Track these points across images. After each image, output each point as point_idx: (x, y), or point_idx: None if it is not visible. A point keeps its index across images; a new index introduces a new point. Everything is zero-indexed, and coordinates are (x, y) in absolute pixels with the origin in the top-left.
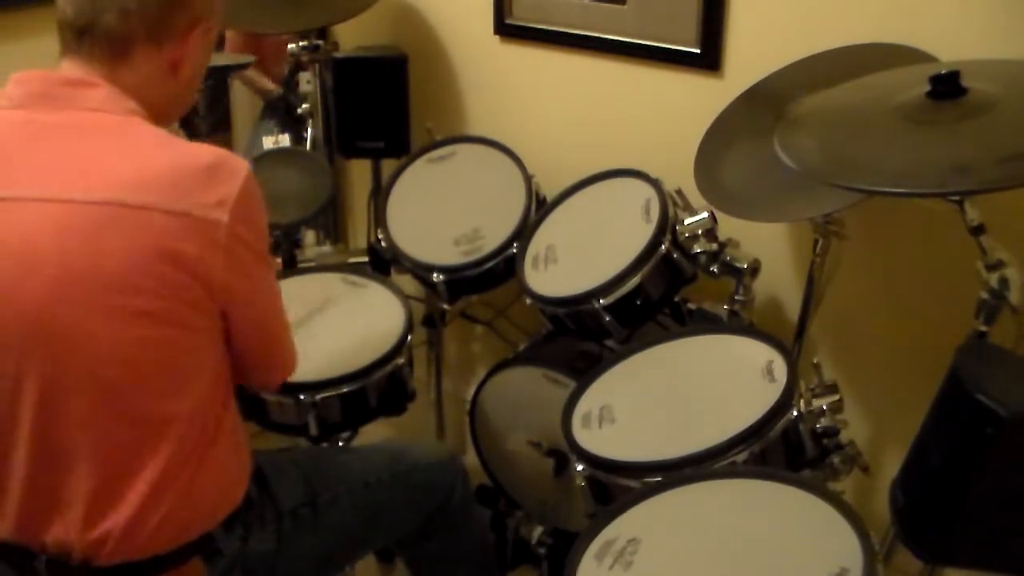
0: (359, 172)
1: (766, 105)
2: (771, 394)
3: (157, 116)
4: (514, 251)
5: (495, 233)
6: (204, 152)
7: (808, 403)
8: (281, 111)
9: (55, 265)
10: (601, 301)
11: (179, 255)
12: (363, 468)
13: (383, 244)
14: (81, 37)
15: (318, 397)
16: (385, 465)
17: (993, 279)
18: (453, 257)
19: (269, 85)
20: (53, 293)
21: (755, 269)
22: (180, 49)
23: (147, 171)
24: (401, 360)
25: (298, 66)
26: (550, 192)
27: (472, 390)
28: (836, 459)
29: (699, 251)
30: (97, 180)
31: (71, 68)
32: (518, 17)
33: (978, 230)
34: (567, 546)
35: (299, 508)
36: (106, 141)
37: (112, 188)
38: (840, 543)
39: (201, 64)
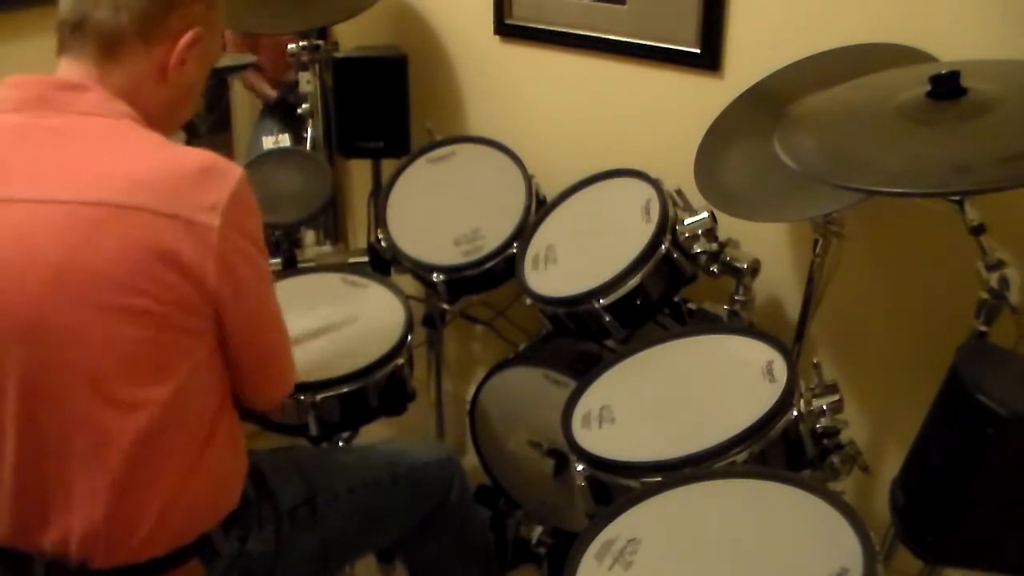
0: (359, 172)
1: (766, 105)
2: (771, 394)
3: (150, 121)
4: (514, 251)
5: (495, 233)
6: (197, 156)
7: (808, 403)
8: (281, 111)
9: (49, 265)
10: (601, 301)
11: (173, 256)
12: (362, 468)
13: (383, 244)
14: (74, 33)
15: (318, 397)
16: (384, 466)
17: (993, 279)
18: (453, 257)
19: (268, 90)
20: (47, 293)
21: (755, 269)
22: (170, 52)
23: (140, 173)
24: (401, 360)
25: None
26: (550, 192)
27: (472, 390)
28: (836, 459)
29: (699, 251)
30: (90, 181)
31: (66, 68)
32: (518, 17)
33: (978, 230)
34: (567, 546)
35: (298, 508)
36: (99, 144)
37: (105, 189)
38: (840, 543)
39: (197, 78)
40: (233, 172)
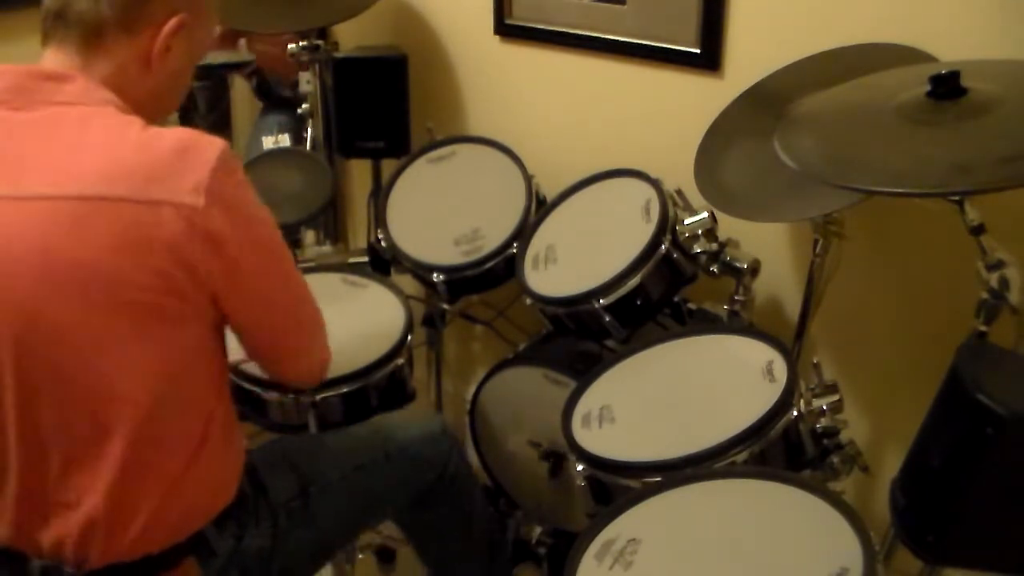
0: (359, 172)
1: (766, 105)
2: (771, 394)
3: (137, 111)
4: (514, 251)
5: (495, 233)
6: (172, 137)
7: (808, 403)
8: (281, 110)
9: (38, 263)
10: (601, 301)
11: (161, 245)
12: (354, 452)
13: (383, 244)
14: (56, 22)
15: (318, 397)
16: (377, 446)
17: (993, 279)
18: (453, 257)
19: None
20: (38, 290)
21: (755, 269)
22: (154, 40)
23: (120, 162)
24: (401, 360)
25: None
26: (550, 192)
27: (472, 390)
28: (836, 459)
29: (699, 251)
30: (71, 175)
31: (50, 58)
32: (518, 17)
33: (978, 230)
34: (567, 546)
35: (292, 501)
36: (79, 135)
37: (89, 182)
38: (840, 543)
39: (183, 66)
40: (211, 147)
